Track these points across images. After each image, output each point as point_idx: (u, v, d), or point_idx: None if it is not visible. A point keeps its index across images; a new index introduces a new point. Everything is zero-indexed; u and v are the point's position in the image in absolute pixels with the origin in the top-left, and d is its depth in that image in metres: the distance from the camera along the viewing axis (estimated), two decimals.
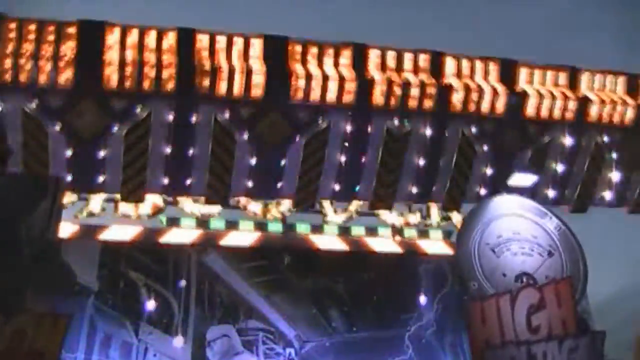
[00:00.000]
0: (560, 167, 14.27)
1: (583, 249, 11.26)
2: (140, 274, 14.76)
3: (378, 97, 13.49)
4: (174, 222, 15.73)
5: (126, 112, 12.90)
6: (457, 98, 13.68)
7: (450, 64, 14.01)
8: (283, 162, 13.83)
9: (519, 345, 9.85)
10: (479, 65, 14.11)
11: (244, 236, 15.89)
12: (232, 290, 15.19)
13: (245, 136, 13.48)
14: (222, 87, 12.97)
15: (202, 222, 15.78)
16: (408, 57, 13.93)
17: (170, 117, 13.15)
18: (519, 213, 11.23)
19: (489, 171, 14.20)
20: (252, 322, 14.97)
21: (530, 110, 13.92)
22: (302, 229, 16.39)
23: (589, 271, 11.32)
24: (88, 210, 15.19)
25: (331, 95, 13.41)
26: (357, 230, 16.65)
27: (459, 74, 14.01)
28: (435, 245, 16.33)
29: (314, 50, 13.68)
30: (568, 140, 14.19)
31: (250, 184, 14.01)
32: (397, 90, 13.46)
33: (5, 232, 8.92)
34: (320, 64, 13.63)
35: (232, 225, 16.01)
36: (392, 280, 15.92)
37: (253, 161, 13.70)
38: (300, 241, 16.34)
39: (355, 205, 16.30)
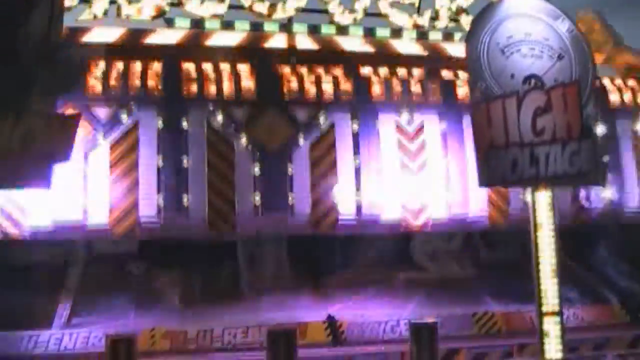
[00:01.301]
0: None
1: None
2: None
3: None
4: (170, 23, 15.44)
5: None
6: None
7: None
8: None
9: (523, 146, 9.96)
10: None
11: (234, 36, 15.55)
12: None
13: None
14: None
15: (197, 22, 15.42)
16: None
17: None
18: (531, 14, 10.75)
19: None
20: None
21: None
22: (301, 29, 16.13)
23: None
24: (91, 13, 14.85)
25: None
26: (382, 32, 16.32)
27: None
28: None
29: None
30: None
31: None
32: None
33: (3, 37, 8.75)
34: None
35: (227, 26, 15.66)
36: None
37: None
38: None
39: (363, 3, 15.89)
